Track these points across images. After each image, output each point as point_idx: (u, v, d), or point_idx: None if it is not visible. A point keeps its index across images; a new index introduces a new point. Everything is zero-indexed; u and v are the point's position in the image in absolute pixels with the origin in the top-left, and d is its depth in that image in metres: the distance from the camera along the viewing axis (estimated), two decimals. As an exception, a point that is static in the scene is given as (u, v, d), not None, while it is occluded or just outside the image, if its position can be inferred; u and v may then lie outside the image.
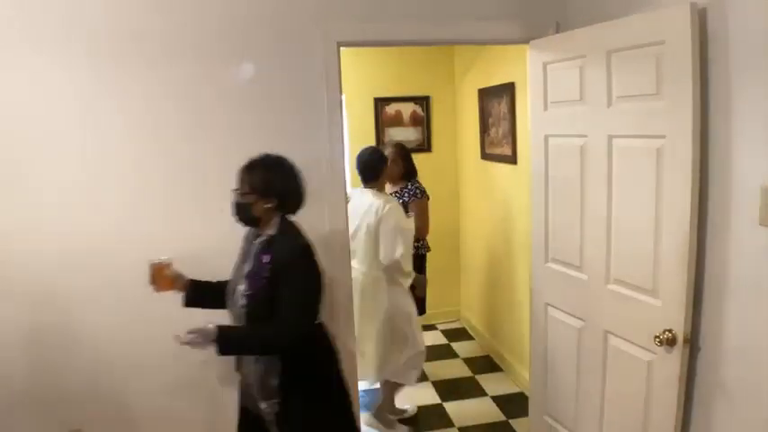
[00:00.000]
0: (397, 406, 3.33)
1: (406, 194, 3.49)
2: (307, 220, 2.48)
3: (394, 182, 3.56)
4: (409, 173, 3.56)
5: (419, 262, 3.63)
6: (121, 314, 2.39)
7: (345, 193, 2.56)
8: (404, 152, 3.56)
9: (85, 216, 2.32)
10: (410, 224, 3.16)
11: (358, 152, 3.18)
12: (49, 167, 2.27)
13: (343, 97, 2.62)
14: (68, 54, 2.22)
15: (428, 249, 3.68)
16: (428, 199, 3.52)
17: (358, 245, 3.03)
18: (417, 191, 3.50)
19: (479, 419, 3.29)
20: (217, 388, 2.52)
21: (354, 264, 2.96)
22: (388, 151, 3.45)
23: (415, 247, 3.58)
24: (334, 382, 2.02)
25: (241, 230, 2.07)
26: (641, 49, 1.92)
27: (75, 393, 2.40)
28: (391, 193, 3.52)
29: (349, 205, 2.76)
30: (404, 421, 3.30)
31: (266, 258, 1.86)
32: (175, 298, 2.54)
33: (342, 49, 2.45)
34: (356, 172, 3.16)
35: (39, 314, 2.33)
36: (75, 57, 2.22)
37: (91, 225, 2.32)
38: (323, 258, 2.55)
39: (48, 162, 2.27)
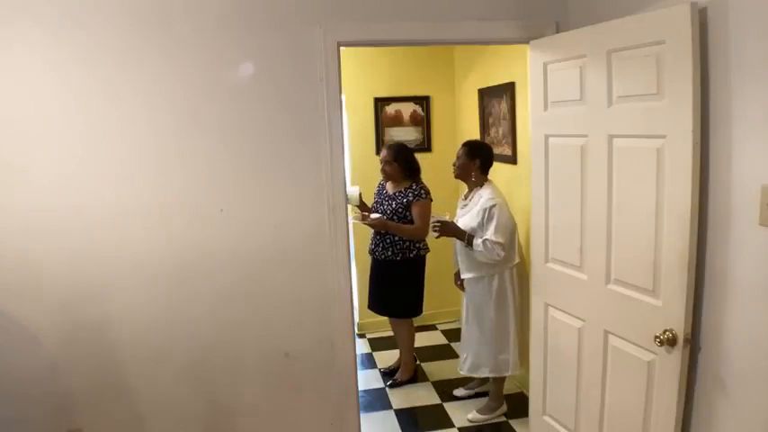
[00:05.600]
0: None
1: (410, 194, 3.48)
2: (307, 219, 2.49)
3: (396, 182, 3.56)
4: (413, 172, 3.55)
5: (419, 263, 3.64)
6: (126, 313, 2.39)
7: (346, 194, 2.56)
8: (403, 152, 3.54)
9: (90, 212, 2.32)
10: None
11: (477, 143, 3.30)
12: (61, 161, 2.27)
13: (344, 97, 2.62)
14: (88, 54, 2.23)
15: (428, 250, 3.67)
16: (431, 201, 3.52)
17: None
18: (422, 191, 3.50)
19: (480, 420, 3.28)
20: (217, 387, 2.52)
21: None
22: (382, 153, 3.51)
23: (415, 248, 3.58)
24: None
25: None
26: (641, 49, 1.91)
27: (75, 392, 2.40)
28: (394, 193, 3.52)
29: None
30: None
31: None
32: (173, 301, 2.53)
33: (342, 48, 2.45)
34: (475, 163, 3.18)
35: (42, 313, 2.32)
36: (78, 58, 2.23)
37: (90, 225, 2.33)
38: (323, 258, 2.55)
39: (61, 157, 2.27)
